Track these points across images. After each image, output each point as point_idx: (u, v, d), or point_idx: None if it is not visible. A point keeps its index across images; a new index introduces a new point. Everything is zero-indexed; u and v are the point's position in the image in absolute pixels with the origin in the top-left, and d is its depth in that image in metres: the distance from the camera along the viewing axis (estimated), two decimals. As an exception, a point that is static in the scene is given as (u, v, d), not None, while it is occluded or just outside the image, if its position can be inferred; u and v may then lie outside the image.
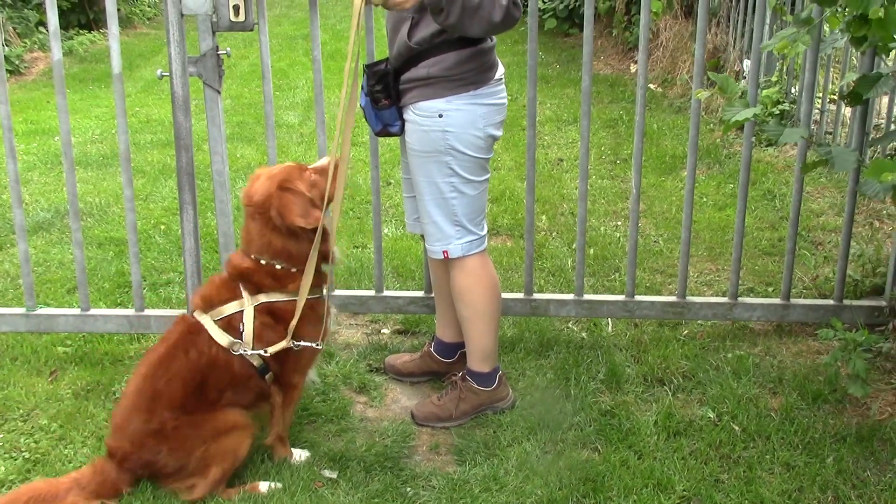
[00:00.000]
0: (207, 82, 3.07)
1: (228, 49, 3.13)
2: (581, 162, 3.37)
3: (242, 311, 2.57)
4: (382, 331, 3.55)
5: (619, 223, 4.60)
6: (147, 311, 3.26)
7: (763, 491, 2.53)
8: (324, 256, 2.63)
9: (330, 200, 2.64)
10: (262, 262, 2.60)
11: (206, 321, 2.55)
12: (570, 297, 3.48)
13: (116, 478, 2.45)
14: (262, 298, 2.59)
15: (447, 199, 2.81)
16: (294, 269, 2.60)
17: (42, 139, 6.26)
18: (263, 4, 3.08)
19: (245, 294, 2.59)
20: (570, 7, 9.47)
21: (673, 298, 3.48)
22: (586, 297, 3.47)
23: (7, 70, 8.85)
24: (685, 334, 3.45)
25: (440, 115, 2.72)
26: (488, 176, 2.90)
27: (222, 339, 2.53)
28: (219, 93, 3.09)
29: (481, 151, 2.79)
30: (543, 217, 4.69)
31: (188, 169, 3.08)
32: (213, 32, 3.03)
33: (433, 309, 3.32)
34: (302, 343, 2.60)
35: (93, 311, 3.26)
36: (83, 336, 3.36)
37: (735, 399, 2.97)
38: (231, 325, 2.56)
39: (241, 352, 2.54)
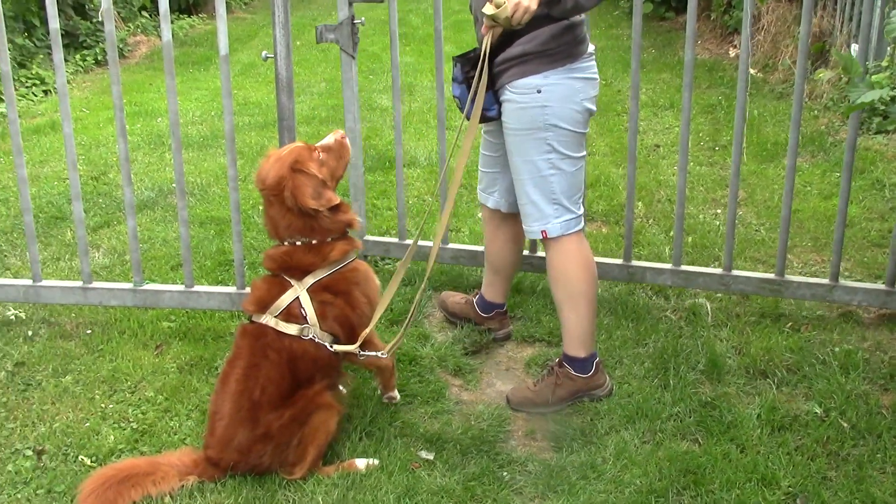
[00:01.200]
0: (344, 48, 3.47)
1: (363, 18, 3.46)
2: (682, 131, 3.30)
3: (297, 297, 2.59)
4: (477, 315, 3.54)
5: (719, 211, 4.48)
6: (248, 290, 3.31)
7: (874, 490, 2.44)
8: (348, 225, 2.67)
9: (338, 179, 2.71)
10: (297, 242, 2.62)
11: (269, 319, 2.57)
12: (668, 266, 3.52)
13: (216, 477, 2.51)
14: (310, 280, 2.62)
15: (546, 177, 2.80)
16: (329, 239, 2.63)
17: (145, 121, 6.45)
18: None
19: (293, 282, 2.61)
20: (666, -10, 9.27)
21: (770, 275, 3.42)
22: (683, 267, 3.50)
23: (112, 53, 9.18)
24: (789, 326, 3.34)
25: (538, 91, 2.72)
26: (585, 153, 2.89)
27: (291, 329, 2.56)
28: (353, 58, 3.52)
29: (579, 126, 2.79)
30: (640, 203, 4.60)
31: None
32: (350, 3, 3.39)
33: (534, 268, 3.60)
34: (367, 353, 2.65)
35: (196, 288, 3.34)
36: (187, 312, 3.45)
37: (843, 395, 2.86)
38: (292, 314, 2.58)
39: (312, 336, 2.56)
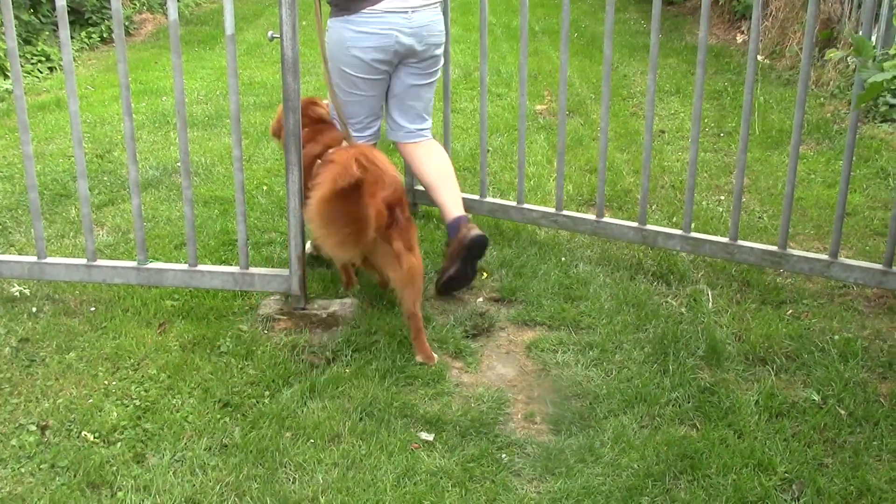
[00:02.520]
0: None
1: None
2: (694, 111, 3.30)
3: None
4: (478, 299, 3.55)
5: (722, 198, 4.49)
6: (252, 269, 3.33)
7: (870, 478, 2.46)
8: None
9: None
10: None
11: None
12: (678, 231, 3.70)
13: None
14: None
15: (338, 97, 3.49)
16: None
17: (151, 99, 6.44)
18: None
19: None
20: (674, -25, 9.21)
21: (773, 247, 3.53)
22: (692, 234, 3.67)
23: (117, 31, 9.16)
24: (789, 314, 3.36)
25: (327, 31, 3.47)
26: (364, 94, 3.51)
27: None
28: None
29: (350, 68, 3.43)
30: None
31: (295, 130, 3.13)
32: None
33: (562, 225, 3.93)
34: None
35: (200, 268, 3.35)
36: (190, 291, 3.47)
37: (841, 382, 2.88)
38: None
39: None
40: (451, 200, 3.60)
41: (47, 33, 8.30)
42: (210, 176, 4.83)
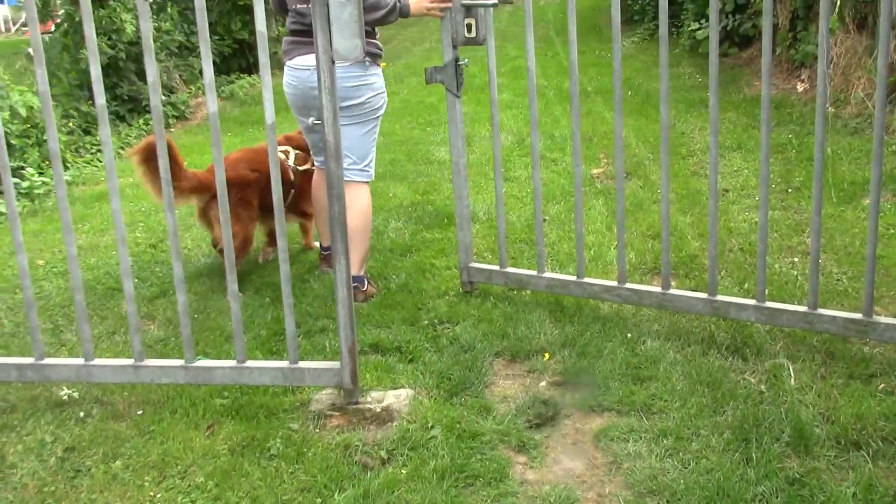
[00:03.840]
0: (448, 88, 3.90)
1: (467, 60, 3.88)
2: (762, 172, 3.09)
3: None
4: (541, 383, 3.35)
5: (796, 259, 4.23)
6: (301, 364, 3.20)
7: None
8: None
9: None
10: None
11: None
12: (751, 301, 3.45)
13: None
14: None
15: None
16: None
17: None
18: (490, 23, 3.79)
19: None
20: (727, 27, 9.03)
21: (857, 315, 3.26)
22: (767, 303, 3.41)
23: (173, 115, 9.34)
24: (881, 388, 3.08)
25: None
26: (303, 127, 4.30)
27: None
28: (458, 97, 3.90)
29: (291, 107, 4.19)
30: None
31: (341, 218, 3.01)
32: (454, 46, 3.83)
33: (626, 299, 3.73)
34: None
35: (248, 364, 3.23)
36: (240, 387, 3.34)
37: (949, 468, 2.60)
38: None
39: None
40: (354, 253, 4.07)
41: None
42: (260, 262, 4.74)
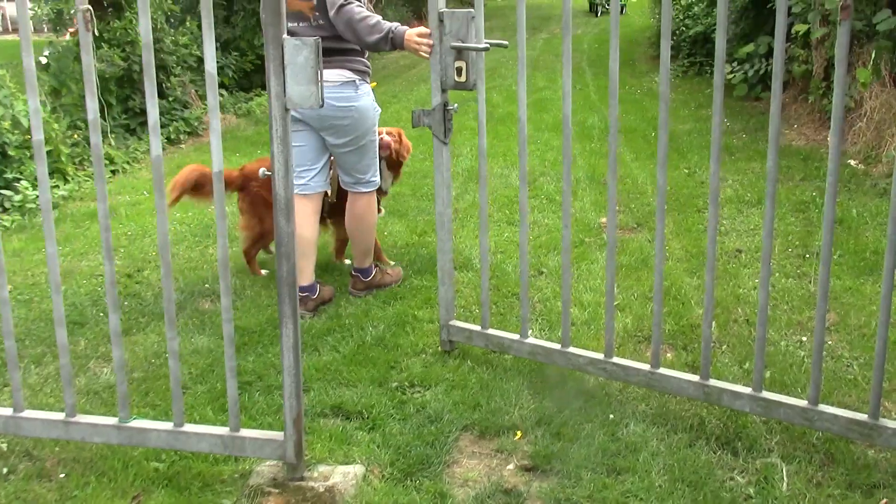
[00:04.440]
0: (436, 134, 3.67)
1: (456, 105, 3.67)
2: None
3: None
4: (508, 466, 3.05)
5: (804, 339, 3.88)
6: (242, 432, 2.92)
7: None
8: None
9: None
10: None
11: None
12: (747, 390, 3.13)
13: None
14: None
15: None
16: None
17: (197, 211, 6.23)
18: (482, 68, 3.55)
19: None
20: (760, 72, 8.69)
21: (863, 416, 2.93)
22: (764, 394, 3.09)
23: (185, 132, 9.17)
24: (883, 503, 2.74)
25: None
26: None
27: None
28: (445, 144, 3.68)
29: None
30: (713, 323, 4.04)
31: (289, 279, 2.74)
32: (443, 90, 3.61)
33: (611, 375, 3.42)
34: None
35: (185, 428, 2.95)
36: (178, 451, 3.07)
37: None
38: None
39: None
40: (355, 250, 4.49)
41: (115, 135, 8.31)
42: (237, 300, 4.48)
